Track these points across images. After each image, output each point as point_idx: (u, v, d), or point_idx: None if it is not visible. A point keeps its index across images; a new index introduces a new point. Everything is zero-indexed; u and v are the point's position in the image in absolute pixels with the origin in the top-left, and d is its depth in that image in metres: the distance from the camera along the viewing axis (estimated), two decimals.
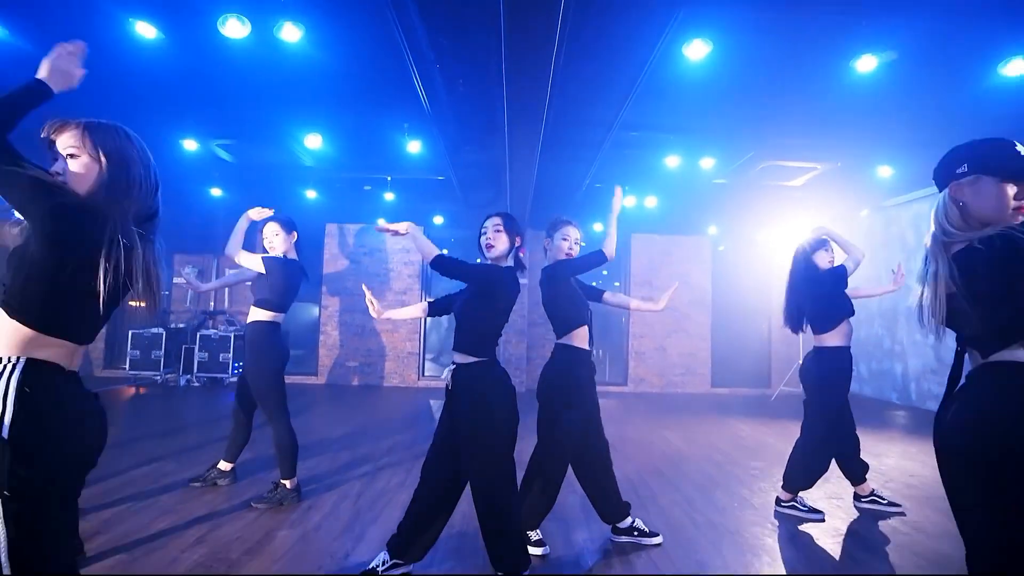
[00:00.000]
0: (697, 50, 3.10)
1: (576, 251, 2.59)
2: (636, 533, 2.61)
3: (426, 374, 8.52)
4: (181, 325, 8.11)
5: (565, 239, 2.58)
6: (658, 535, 2.65)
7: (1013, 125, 3.76)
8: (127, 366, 7.62)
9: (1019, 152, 1.23)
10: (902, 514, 3.13)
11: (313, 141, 4.57)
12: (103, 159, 1.21)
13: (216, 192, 6.59)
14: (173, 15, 3.27)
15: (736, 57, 3.35)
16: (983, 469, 1.08)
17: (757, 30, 3.10)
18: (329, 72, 3.72)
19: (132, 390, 7.13)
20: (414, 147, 4.71)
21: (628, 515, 2.64)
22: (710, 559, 2.51)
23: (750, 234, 8.38)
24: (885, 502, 3.16)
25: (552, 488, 2.47)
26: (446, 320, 10.27)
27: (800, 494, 3.08)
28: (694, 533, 2.79)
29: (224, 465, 3.27)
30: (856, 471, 3.16)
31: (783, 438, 5.06)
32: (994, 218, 1.23)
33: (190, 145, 5.13)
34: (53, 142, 1.23)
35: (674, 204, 7.02)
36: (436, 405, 6.55)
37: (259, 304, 3.14)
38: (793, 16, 2.90)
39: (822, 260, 3.08)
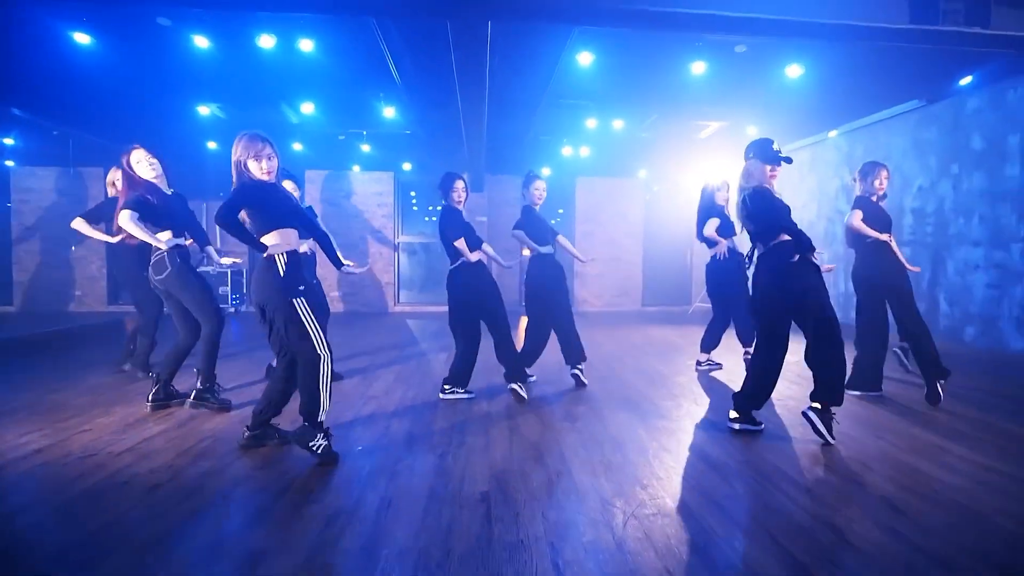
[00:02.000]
0: (585, 58, 4.40)
1: (543, 197, 3.77)
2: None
3: (400, 301, 9.63)
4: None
5: (536, 190, 3.78)
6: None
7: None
8: None
9: (773, 148, 2.77)
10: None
11: (307, 108, 5.54)
12: None
13: (212, 145, 7.40)
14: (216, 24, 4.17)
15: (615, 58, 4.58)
16: (760, 303, 2.80)
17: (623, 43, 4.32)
18: (322, 62, 4.73)
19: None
20: (389, 112, 5.75)
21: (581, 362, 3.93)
22: (636, 397, 3.71)
23: (675, 177, 9.53)
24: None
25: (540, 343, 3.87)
26: (417, 253, 11.39)
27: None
28: (620, 383, 4.15)
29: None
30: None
31: (689, 339, 6.22)
32: (760, 181, 2.73)
33: (203, 111, 5.99)
34: None
35: (611, 153, 8.10)
36: (413, 326, 7.75)
37: None
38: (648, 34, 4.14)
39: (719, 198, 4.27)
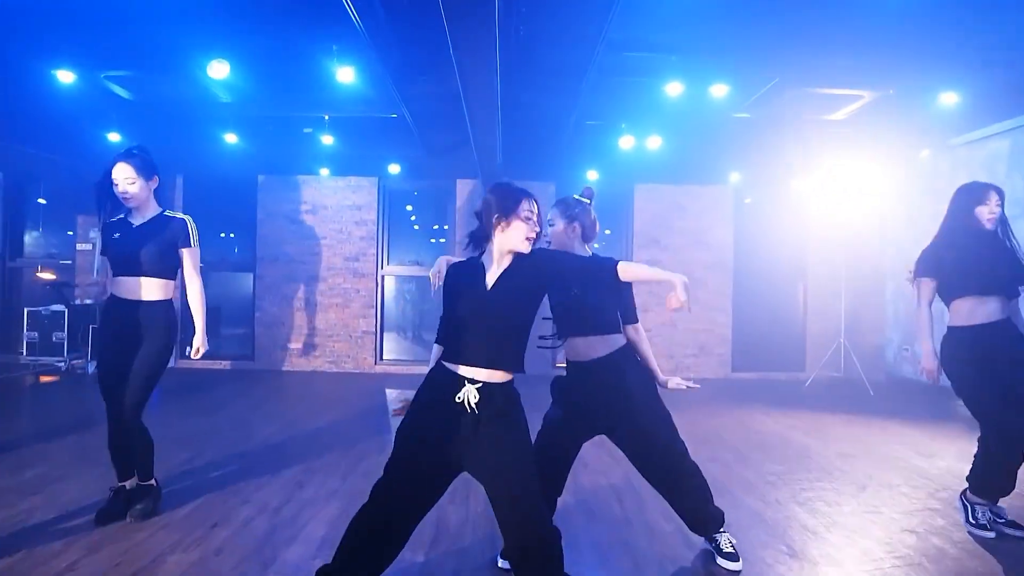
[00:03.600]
0: None
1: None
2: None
3: (384, 358, 8.70)
4: (88, 301, 8.10)
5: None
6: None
7: None
8: (23, 351, 7.63)
9: None
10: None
11: (219, 70, 4.44)
12: None
13: (114, 137, 6.53)
14: None
15: None
16: None
17: None
18: None
19: (30, 379, 7.19)
20: (346, 75, 4.62)
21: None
22: None
23: (782, 183, 8.45)
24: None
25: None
26: (407, 293, 10.43)
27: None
28: (686, 555, 2.81)
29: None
30: None
31: (813, 433, 5.19)
32: None
33: (65, 77, 5.02)
34: None
35: (686, 146, 7.04)
36: (394, 396, 6.67)
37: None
38: None
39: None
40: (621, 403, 2.53)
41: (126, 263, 3.01)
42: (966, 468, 3.15)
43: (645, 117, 6.19)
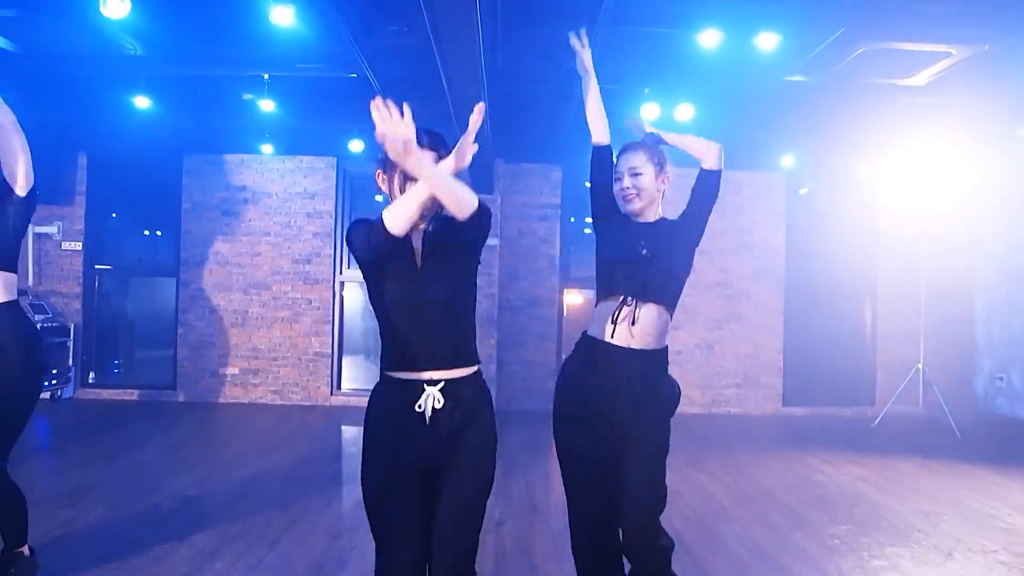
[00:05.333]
0: None
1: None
2: None
3: (343, 387, 8.77)
4: None
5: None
6: None
7: None
8: None
9: None
10: None
11: (115, 8, 4.28)
12: None
13: None
14: None
15: None
16: None
17: None
18: None
19: None
20: (284, 17, 4.50)
21: None
22: None
23: (847, 169, 8.58)
24: None
25: None
26: (369, 315, 10.42)
27: None
28: None
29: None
30: None
31: (886, 486, 5.14)
32: None
33: None
34: None
35: (726, 119, 7.03)
36: (351, 436, 6.84)
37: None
38: None
39: None
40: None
41: None
42: None
43: (674, 80, 6.24)
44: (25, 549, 3.09)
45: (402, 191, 2.04)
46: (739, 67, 5.74)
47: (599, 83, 2.90)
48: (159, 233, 9.14)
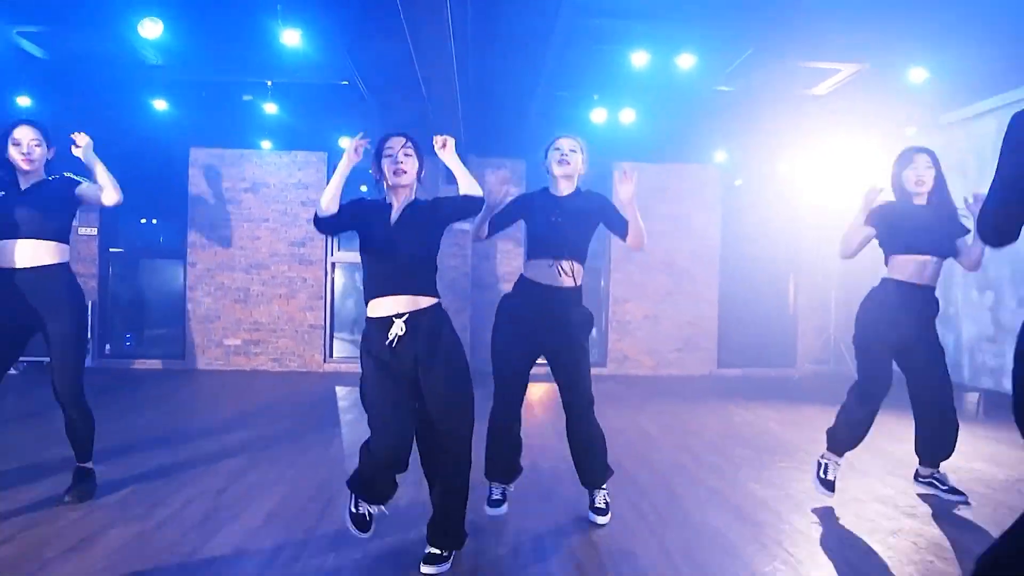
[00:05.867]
0: None
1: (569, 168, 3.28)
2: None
3: (335, 355, 8.95)
4: None
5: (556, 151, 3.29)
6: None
7: None
8: None
9: None
10: None
11: (151, 29, 4.72)
12: None
13: (24, 101, 6.72)
14: None
15: None
16: None
17: None
18: None
19: None
20: (292, 38, 4.93)
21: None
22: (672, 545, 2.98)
23: (770, 163, 8.84)
24: None
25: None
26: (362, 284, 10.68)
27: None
28: (640, 524, 3.29)
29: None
30: None
31: (791, 425, 5.67)
32: None
33: None
34: None
35: (665, 122, 7.37)
36: (344, 394, 7.01)
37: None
38: None
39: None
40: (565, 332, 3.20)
41: (11, 227, 3.25)
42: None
43: (617, 88, 6.51)
44: (90, 464, 3.52)
45: (386, 175, 2.67)
46: (669, 80, 6.05)
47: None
48: (153, 221, 9.31)
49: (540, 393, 6.70)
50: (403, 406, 2.61)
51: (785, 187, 8.96)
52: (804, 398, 7.07)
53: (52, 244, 3.33)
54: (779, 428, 5.58)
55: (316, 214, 2.63)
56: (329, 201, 2.58)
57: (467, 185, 2.68)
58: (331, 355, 8.89)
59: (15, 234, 3.24)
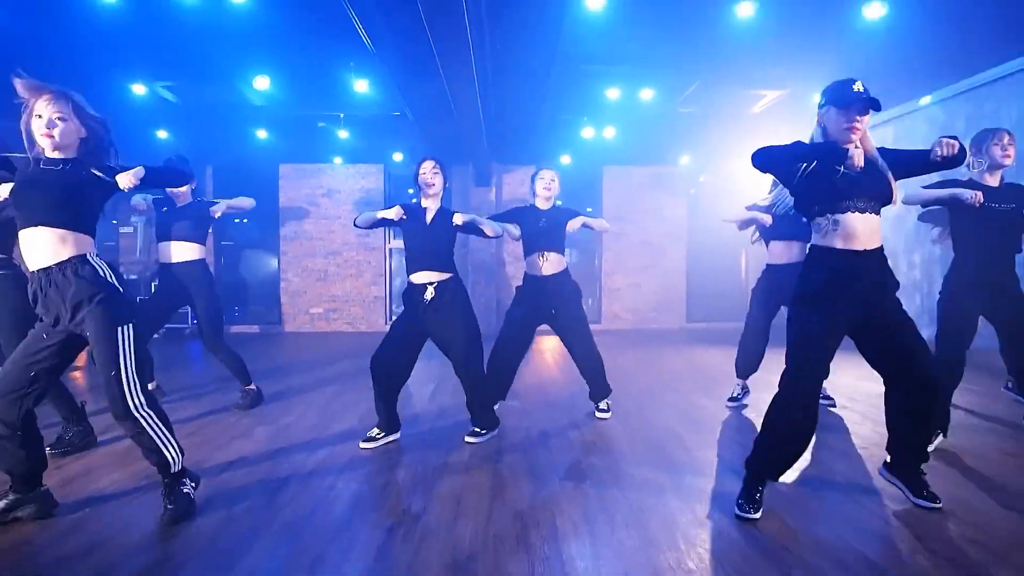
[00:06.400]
0: (595, 1, 3.99)
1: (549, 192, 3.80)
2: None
3: (393, 318, 9.27)
4: (133, 276, 8.81)
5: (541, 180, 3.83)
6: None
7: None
8: None
9: (853, 88, 2.12)
10: None
11: (261, 83, 5.32)
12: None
13: (162, 134, 7.26)
14: None
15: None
16: None
17: None
18: (270, 21, 4.55)
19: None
20: (361, 86, 5.48)
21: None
22: (669, 445, 3.54)
23: (726, 164, 9.09)
24: None
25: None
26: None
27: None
28: (649, 426, 3.80)
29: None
30: None
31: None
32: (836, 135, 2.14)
33: (138, 89, 5.85)
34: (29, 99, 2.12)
35: (639, 134, 7.74)
36: None
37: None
38: None
39: None
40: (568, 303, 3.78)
41: (169, 234, 3.97)
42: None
43: (600, 112, 6.92)
44: (253, 386, 4.15)
45: (421, 188, 3.25)
46: (638, 106, 6.47)
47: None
48: (244, 221, 9.53)
49: (552, 344, 7.14)
50: (405, 338, 3.22)
51: (735, 182, 8.96)
52: None
53: (196, 246, 4.04)
54: (728, 363, 5.81)
55: (355, 222, 3.29)
56: (364, 223, 3.25)
57: (489, 231, 3.30)
58: (391, 318, 9.18)
59: (170, 237, 3.99)
